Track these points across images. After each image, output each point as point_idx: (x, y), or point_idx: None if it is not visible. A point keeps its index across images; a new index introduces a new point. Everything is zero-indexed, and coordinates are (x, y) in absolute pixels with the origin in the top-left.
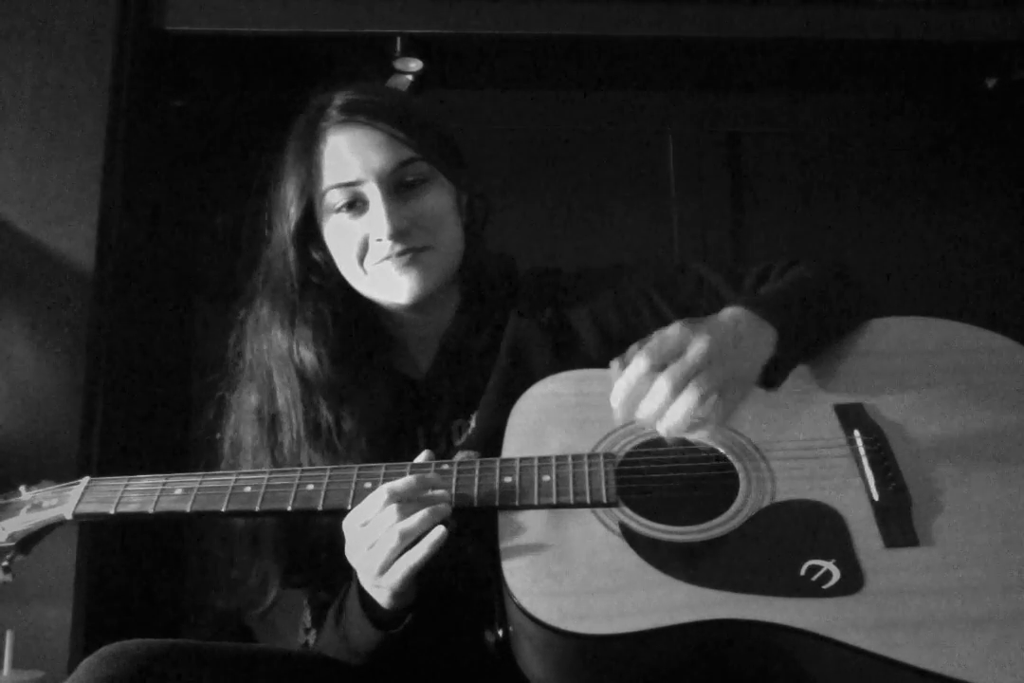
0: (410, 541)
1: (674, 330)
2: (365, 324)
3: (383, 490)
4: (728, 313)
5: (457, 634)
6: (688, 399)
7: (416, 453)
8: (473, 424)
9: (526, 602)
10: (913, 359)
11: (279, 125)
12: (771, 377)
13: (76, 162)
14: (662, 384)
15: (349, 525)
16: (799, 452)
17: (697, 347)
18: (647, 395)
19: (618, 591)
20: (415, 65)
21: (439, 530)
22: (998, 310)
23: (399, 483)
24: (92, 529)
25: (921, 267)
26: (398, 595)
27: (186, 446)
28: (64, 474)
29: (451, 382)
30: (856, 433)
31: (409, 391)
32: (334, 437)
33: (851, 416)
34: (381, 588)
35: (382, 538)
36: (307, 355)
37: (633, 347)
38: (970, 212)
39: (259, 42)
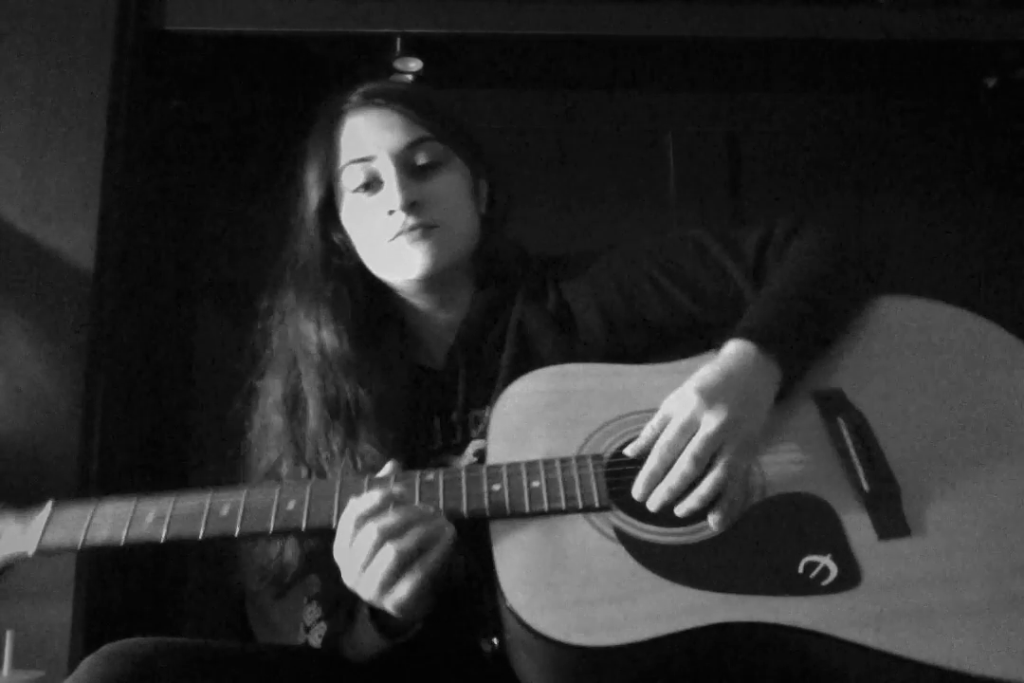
0: (408, 559)
1: (685, 402)
2: (384, 311)
3: (350, 513)
4: (736, 351)
5: (453, 643)
6: (714, 478)
7: (432, 443)
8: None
9: (527, 616)
10: (888, 338)
11: (279, 124)
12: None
13: (76, 162)
14: (683, 463)
15: (337, 549)
16: (784, 444)
17: (711, 422)
18: (670, 473)
19: (620, 600)
20: (415, 65)
21: (448, 534)
22: (998, 308)
23: (362, 505)
24: None
25: (921, 266)
26: (407, 610)
27: (188, 445)
28: (64, 475)
29: (467, 373)
30: (839, 420)
31: (426, 381)
32: (354, 418)
33: (831, 402)
34: (386, 606)
35: (376, 559)
36: (327, 334)
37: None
38: (970, 212)
39: (259, 42)
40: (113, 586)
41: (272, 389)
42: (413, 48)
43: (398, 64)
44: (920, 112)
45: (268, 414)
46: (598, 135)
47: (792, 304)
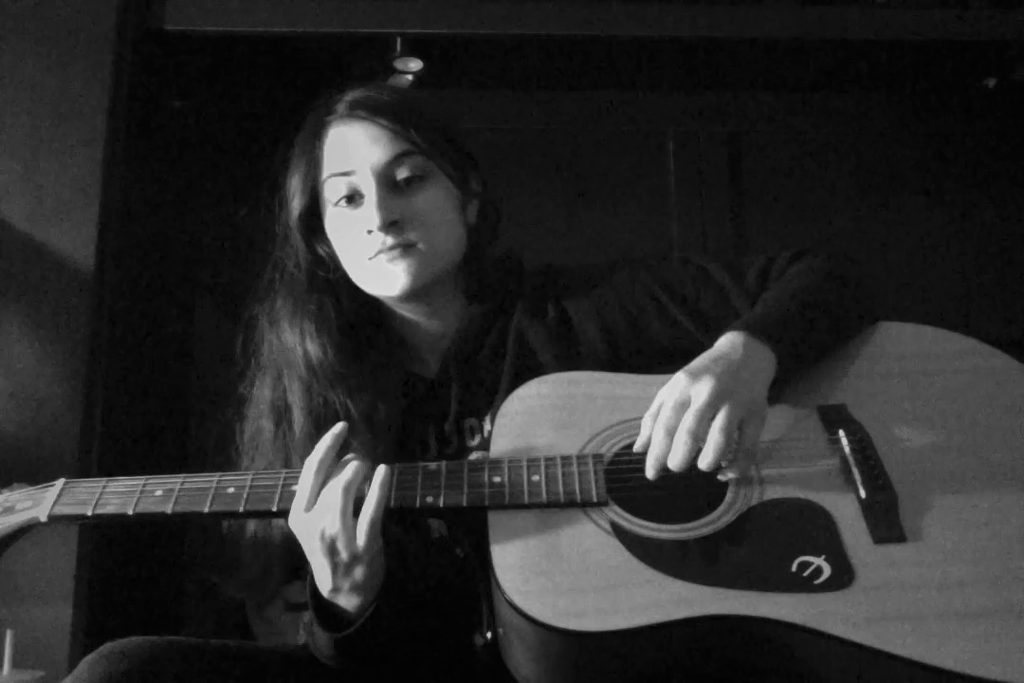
0: (354, 493)
1: (674, 384)
2: (373, 321)
3: (310, 468)
4: (726, 340)
5: (445, 637)
6: (714, 444)
7: (426, 452)
8: (487, 426)
9: (519, 600)
10: (893, 362)
11: (279, 124)
12: (769, 395)
13: (76, 162)
14: (680, 441)
15: (295, 520)
16: (785, 451)
17: (700, 393)
18: (671, 453)
19: (612, 588)
20: (415, 65)
21: (380, 470)
22: (996, 307)
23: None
24: (92, 529)
25: (920, 266)
26: (366, 583)
27: (186, 446)
28: (63, 474)
29: (461, 381)
30: (840, 432)
31: (420, 389)
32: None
33: (834, 416)
34: (352, 575)
35: (329, 506)
36: (312, 347)
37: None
38: (970, 211)
39: (259, 42)
40: (113, 586)
41: (261, 398)
42: (413, 48)
43: (398, 64)
44: (920, 112)
45: (257, 423)
46: (598, 135)
47: (782, 304)
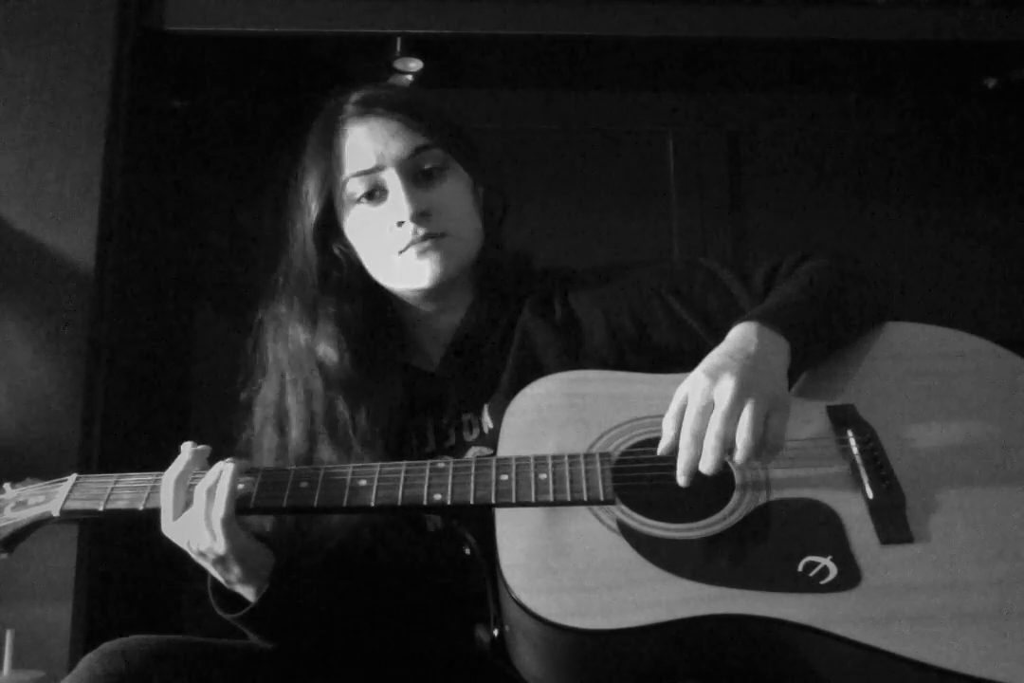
0: (218, 495)
1: (694, 385)
2: (383, 319)
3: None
4: (738, 333)
5: (450, 634)
6: (743, 444)
7: (424, 445)
8: (485, 420)
9: (525, 598)
10: (902, 362)
11: (279, 124)
12: None
13: (76, 162)
14: (710, 447)
15: (166, 530)
16: (793, 451)
17: (724, 394)
18: (701, 458)
19: (617, 587)
20: (415, 65)
21: (228, 469)
22: (996, 308)
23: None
24: (92, 529)
25: (921, 266)
26: (249, 575)
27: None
28: (64, 474)
29: (462, 376)
30: (849, 433)
31: (420, 384)
32: (349, 432)
33: (843, 416)
34: (231, 570)
35: (192, 513)
36: (328, 350)
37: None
38: (970, 212)
39: (259, 42)
40: (113, 586)
41: (265, 402)
42: (413, 48)
43: (398, 64)
44: (920, 112)
45: (260, 426)
46: (598, 135)
47: (791, 295)
